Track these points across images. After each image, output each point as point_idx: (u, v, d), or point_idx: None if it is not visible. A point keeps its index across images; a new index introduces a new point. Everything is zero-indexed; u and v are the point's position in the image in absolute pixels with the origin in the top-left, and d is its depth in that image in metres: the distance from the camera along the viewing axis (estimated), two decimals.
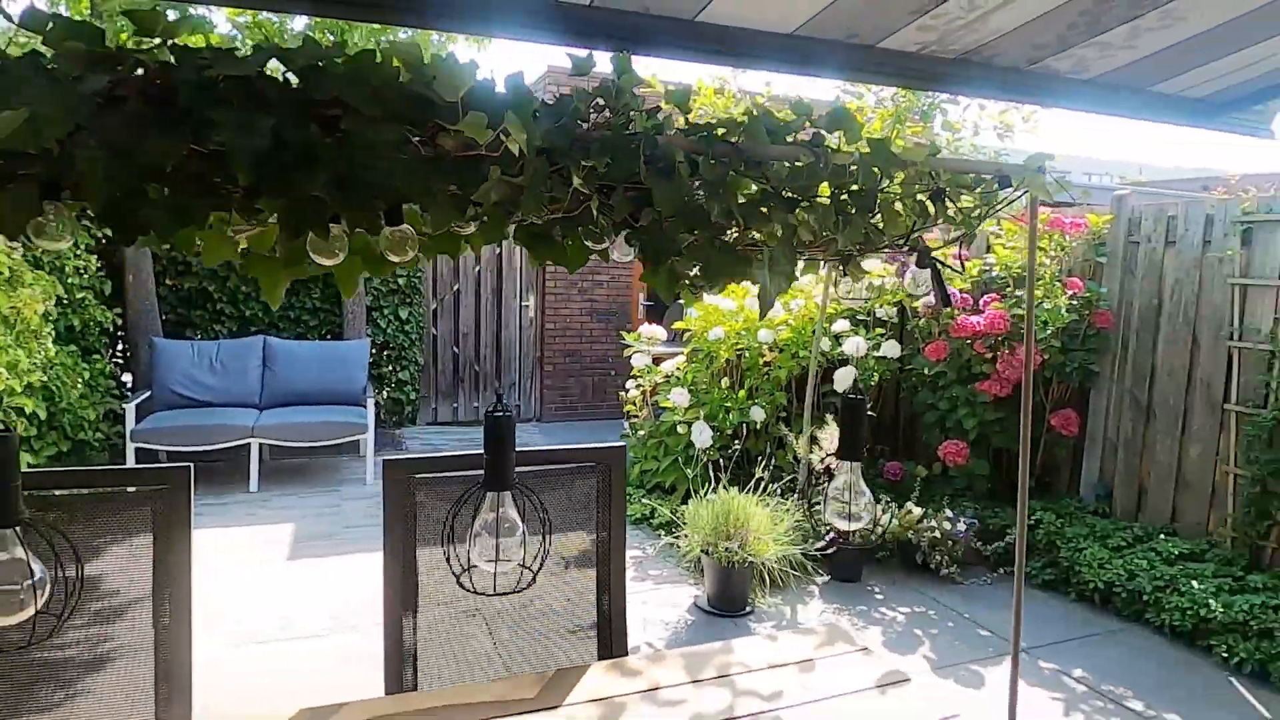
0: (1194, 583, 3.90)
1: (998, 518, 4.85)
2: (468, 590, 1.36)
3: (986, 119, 4.55)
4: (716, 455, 5.32)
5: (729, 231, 1.18)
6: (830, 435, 4.59)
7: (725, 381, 5.73)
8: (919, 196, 1.35)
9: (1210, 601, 3.74)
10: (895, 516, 4.62)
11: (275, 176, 0.82)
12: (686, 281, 1.22)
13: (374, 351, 7.53)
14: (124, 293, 6.61)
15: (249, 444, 5.86)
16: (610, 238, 1.13)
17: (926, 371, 5.23)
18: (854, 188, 1.29)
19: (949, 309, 5.05)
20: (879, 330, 5.57)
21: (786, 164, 1.20)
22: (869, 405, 5.35)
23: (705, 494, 4.45)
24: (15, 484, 0.95)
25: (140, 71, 0.81)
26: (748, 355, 5.68)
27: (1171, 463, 4.58)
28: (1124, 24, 2.42)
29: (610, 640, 2.01)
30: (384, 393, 7.69)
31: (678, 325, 6.13)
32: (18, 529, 0.96)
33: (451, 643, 1.90)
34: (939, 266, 1.42)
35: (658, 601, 4.20)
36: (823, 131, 1.25)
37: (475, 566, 1.33)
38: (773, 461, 5.05)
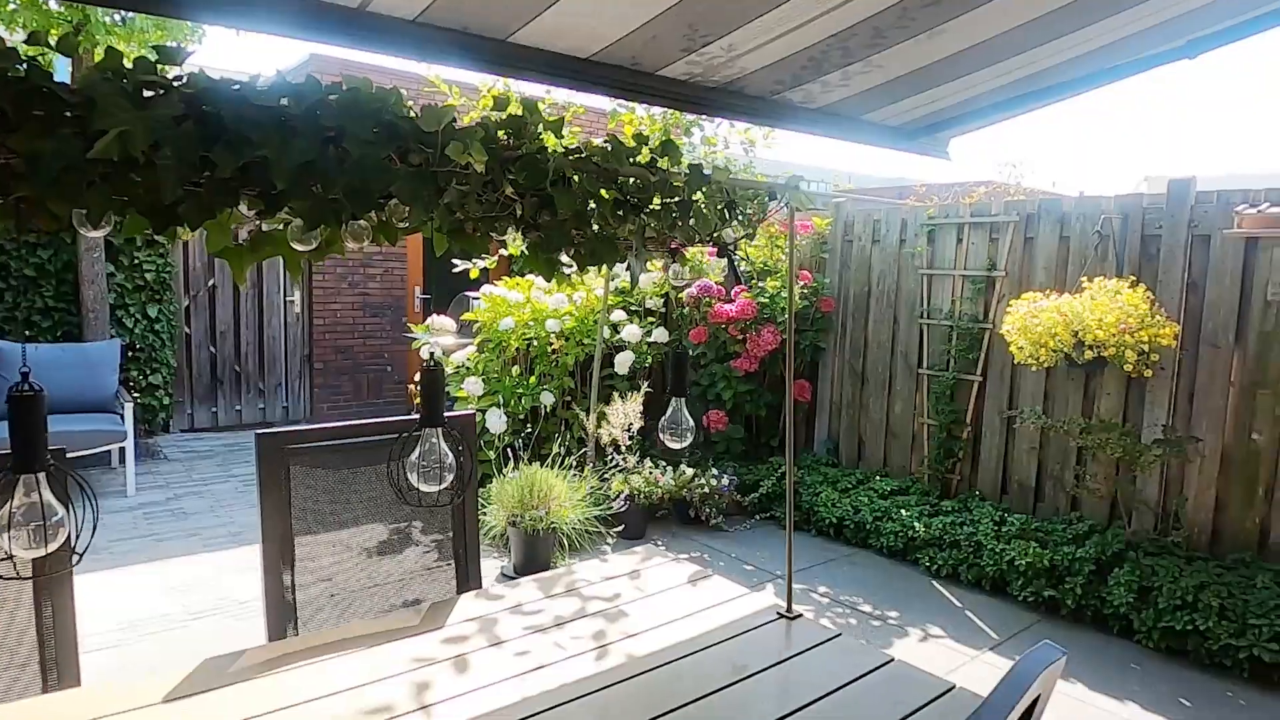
0: (903, 512, 4.92)
1: (752, 473, 5.68)
2: (413, 505, 1.65)
3: (735, 135, 5.34)
4: (512, 439, 5.66)
5: (597, 227, 1.58)
6: (616, 411, 5.12)
7: (516, 369, 6.07)
8: (718, 205, 1.85)
9: (915, 525, 4.75)
10: (672, 478, 5.26)
11: (303, 183, 1.09)
12: (562, 266, 1.61)
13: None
14: None
15: None
16: (512, 231, 1.49)
17: (691, 353, 5.95)
18: (677, 198, 1.75)
19: (708, 300, 5.81)
20: (650, 319, 6.22)
21: (632, 179, 1.63)
22: (646, 385, 5.99)
23: (505, 475, 4.79)
24: (45, 436, 1.13)
25: (189, 94, 1.05)
26: (536, 344, 6.07)
27: (882, 418, 5.66)
28: (839, 69, 3.12)
29: (468, 577, 2.33)
30: (134, 398, 7.08)
31: (467, 317, 6.36)
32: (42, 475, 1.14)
33: (328, 594, 2.12)
34: (734, 257, 1.92)
35: None
36: (655, 155, 1.69)
37: (415, 489, 1.61)
38: (565, 440, 5.49)
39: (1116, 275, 4.29)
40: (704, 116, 4.79)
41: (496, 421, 5.60)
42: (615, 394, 5.40)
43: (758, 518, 5.49)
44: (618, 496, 4.92)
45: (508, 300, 6.07)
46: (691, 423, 1.96)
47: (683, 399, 1.96)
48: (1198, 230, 4.16)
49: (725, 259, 1.87)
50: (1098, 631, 3.96)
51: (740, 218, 1.88)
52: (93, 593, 4.05)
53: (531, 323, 6.00)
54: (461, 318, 6.45)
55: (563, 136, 4.59)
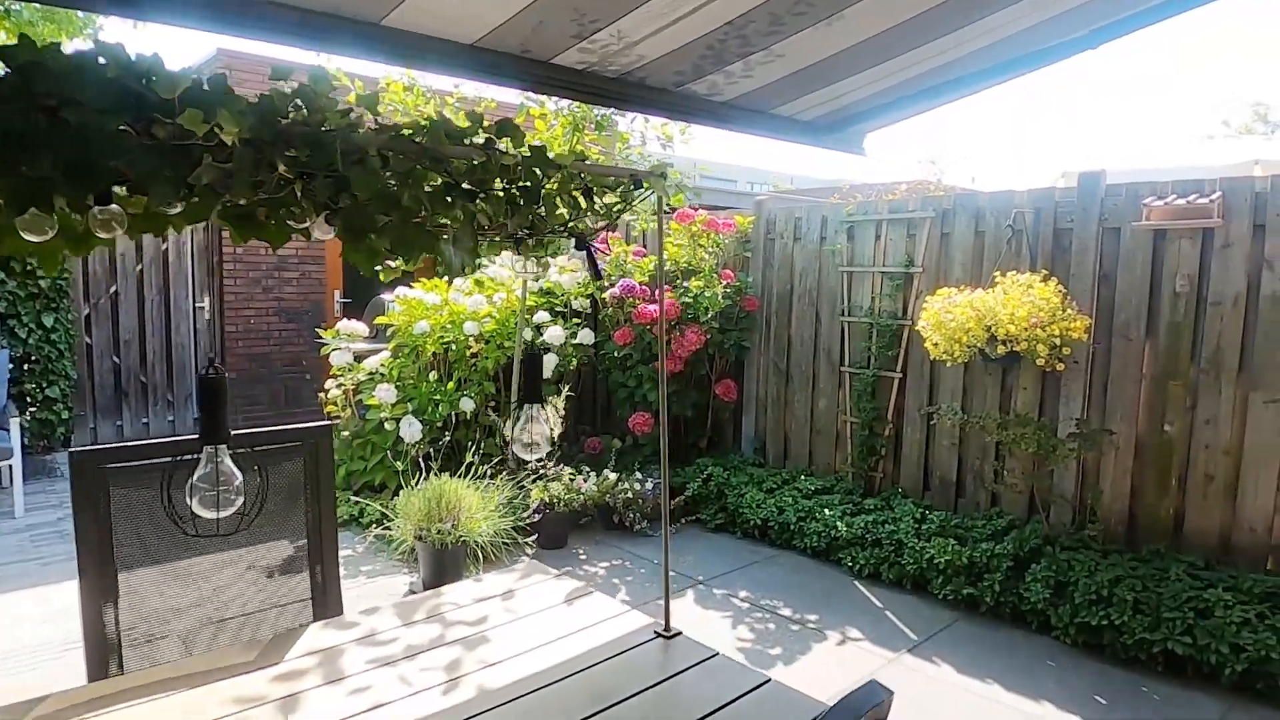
0: (826, 511, 4.84)
1: (679, 476, 5.56)
2: (190, 535, 1.45)
3: (652, 130, 5.20)
4: (427, 448, 5.44)
5: (420, 215, 1.41)
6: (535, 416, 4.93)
7: (434, 375, 5.85)
8: (574, 193, 1.69)
9: (838, 524, 4.67)
10: (595, 484, 5.10)
11: (6, 159, 0.90)
12: (383, 256, 1.44)
13: (12, 366, 6.50)
14: None
15: None
16: (312, 218, 1.31)
17: (616, 354, 5.80)
18: (522, 183, 1.59)
19: (632, 300, 5.66)
20: (575, 320, 6.05)
21: (464, 161, 1.47)
22: (571, 388, 5.82)
23: (416, 486, 4.57)
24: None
25: None
26: (455, 348, 5.85)
27: (806, 416, 5.59)
28: (740, 59, 2.99)
29: (326, 605, 2.14)
30: (28, 414, 6.66)
31: (380, 320, 6.11)
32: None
33: (162, 624, 1.91)
34: (592, 250, 1.78)
35: (371, 593, 4.25)
36: (493, 137, 1.53)
37: (197, 516, 1.42)
38: (482, 448, 5.29)
39: (1030, 269, 4.27)
40: (610, 110, 4.64)
41: (410, 430, 5.37)
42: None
43: (683, 521, 5.36)
44: (532, 506, 4.74)
45: (424, 302, 5.84)
46: (546, 430, 1.80)
47: (536, 404, 1.80)
48: (1108, 223, 4.15)
49: (584, 253, 1.71)
50: (1016, 628, 3.92)
51: (601, 209, 1.73)
52: None
53: (449, 325, 5.78)
54: (375, 321, 6.20)
55: (379, 114, 4.50)
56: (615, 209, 1.75)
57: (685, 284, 5.73)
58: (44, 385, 6.70)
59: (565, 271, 6.16)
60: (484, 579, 2.22)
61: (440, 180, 1.45)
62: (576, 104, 4.75)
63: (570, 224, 1.67)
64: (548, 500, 4.84)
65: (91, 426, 7.30)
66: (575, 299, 6.11)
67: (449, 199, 1.45)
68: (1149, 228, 3.97)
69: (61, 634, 3.71)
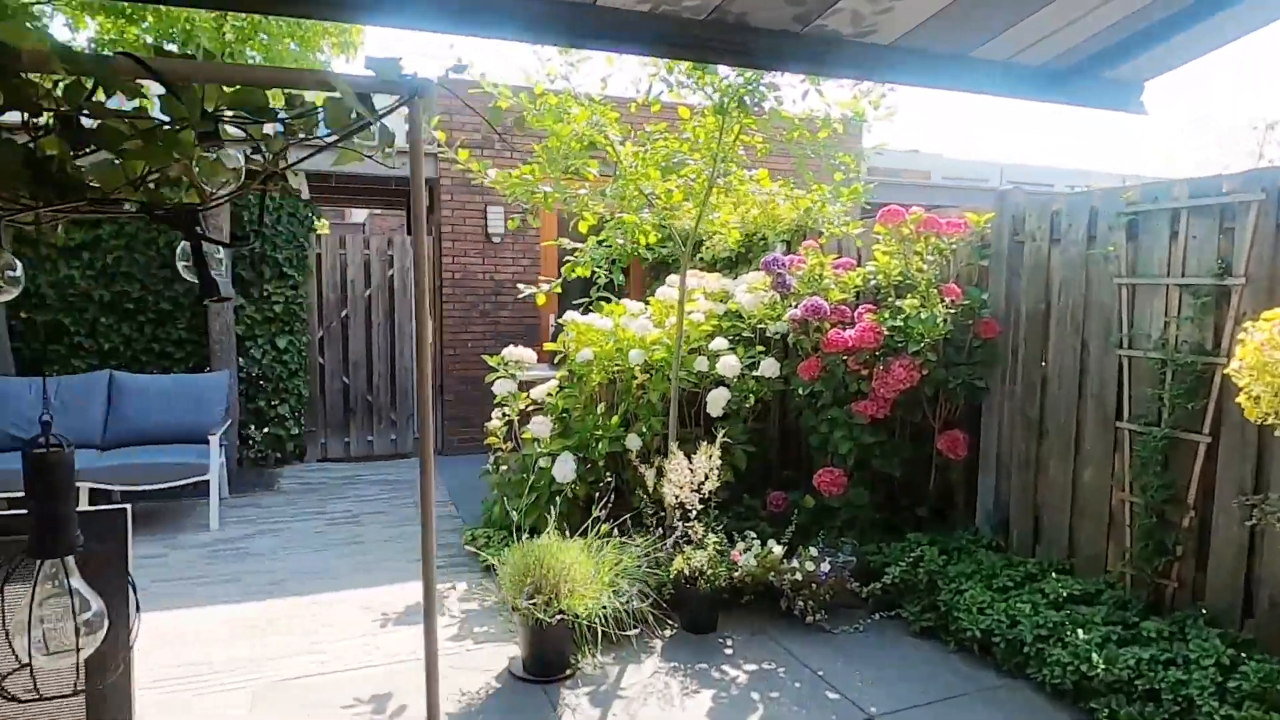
0: (1080, 631, 3.34)
1: (881, 554, 4.29)
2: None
3: (831, 104, 4.05)
4: (586, 490, 4.78)
5: None
6: (679, 466, 4.04)
7: (601, 407, 5.20)
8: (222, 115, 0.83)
9: (1094, 656, 3.18)
10: (755, 556, 4.05)
11: None
12: None
13: (246, 385, 6.98)
14: None
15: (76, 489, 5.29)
16: None
17: (801, 392, 4.69)
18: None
19: (818, 323, 4.54)
20: (759, 348, 5.04)
21: None
22: (744, 430, 4.83)
23: (530, 539, 3.88)
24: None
25: None
26: (622, 379, 5.16)
27: (1065, 487, 4.04)
28: None
29: None
30: (264, 429, 7.13)
31: (549, 347, 5.61)
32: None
33: None
34: (203, 240, 0.90)
35: (469, 666, 3.63)
36: None
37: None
38: (652, 493, 4.49)
39: None
40: (708, 65, 3.57)
41: (563, 469, 4.74)
42: (712, 440, 4.31)
43: (878, 616, 4.10)
44: (670, 579, 3.83)
45: (595, 327, 5.21)
46: (100, 608, 0.93)
47: (67, 561, 0.94)
48: None
49: (189, 243, 0.91)
50: None
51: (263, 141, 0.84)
52: None
53: (617, 354, 5.09)
54: (543, 347, 5.70)
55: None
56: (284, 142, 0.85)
57: (897, 302, 4.47)
58: (275, 403, 7.12)
59: (754, 290, 5.18)
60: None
61: None
62: (704, 80, 3.79)
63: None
64: (688, 574, 3.89)
65: (322, 442, 7.68)
66: (764, 322, 5.10)
67: None
68: None
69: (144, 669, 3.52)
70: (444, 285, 7.90)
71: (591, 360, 5.07)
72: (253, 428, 7.07)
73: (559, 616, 3.41)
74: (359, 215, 21.52)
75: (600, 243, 4.68)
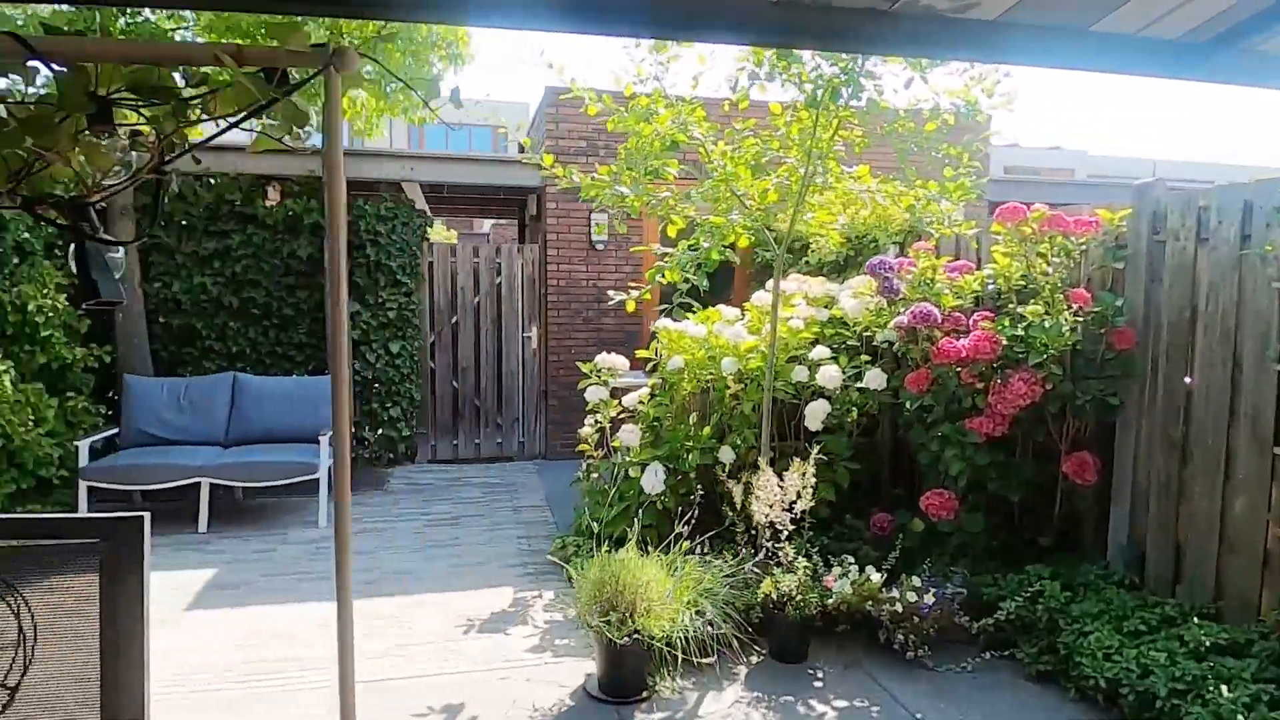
0: (1224, 688, 2.90)
1: (995, 586, 3.91)
2: None
3: (940, 93, 3.71)
4: (676, 502, 4.63)
5: None
6: (767, 483, 3.82)
7: (694, 417, 5.03)
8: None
9: (1239, 717, 2.74)
10: (851, 583, 3.77)
11: None
12: None
13: (360, 388, 7.24)
14: (114, 331, 6.61)
15: (199, 483, 5.62)
16: None
17: (909, 405, 4.36)
18: None
19: (928, 332, 4.20)
20: (865, 357, 4.74)
21: None
22: (849, 445, 4.55)
23: (644, 550, 3.75)
24: None
25: None
26: (716, 388, 4.97)
27: (1213, 518, 3.54)
28: None
29: None
30: (377, 430, 7.37)
31: (641, 354, 5.50)
32: None
33: None
34: (88, 238, 0.80)
35: (545, 680, 3.54)
36: None
37: None
38: (743, 509, 4.29)
39: None
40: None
41: (652, 480, 4.61)
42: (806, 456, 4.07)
43: (988, 655, 3.73)
44: (757, 603, 3.61)
45: (686, 334, 5.06)
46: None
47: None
48: None
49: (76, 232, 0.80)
50: None
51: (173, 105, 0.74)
52: (180, 635, 3.89)
53: (709, 361, 4.91)
54: (636, 354, 5.59)
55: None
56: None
57: (1018, 309, 4.08)
58: (389, 405, 7.35)
59: (859, 295, 4.88)
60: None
61: None
62: (791, 74, 3.55)
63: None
64: (775, 598, 3.66)
65: (432, 444, 7.88)
66: (870, 330, 4.79)
67: None
68: None
69: (240, 660, 3.63)
70: (549, 292, 7.94)
71: (682, 368, 4.91)
72: (366, 429, 7.32)
73: (632, 636, 3.27)
74: (486, 225, 22.25)
75: (690, 247, 4.52)
